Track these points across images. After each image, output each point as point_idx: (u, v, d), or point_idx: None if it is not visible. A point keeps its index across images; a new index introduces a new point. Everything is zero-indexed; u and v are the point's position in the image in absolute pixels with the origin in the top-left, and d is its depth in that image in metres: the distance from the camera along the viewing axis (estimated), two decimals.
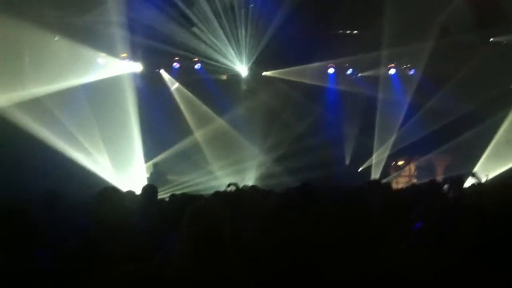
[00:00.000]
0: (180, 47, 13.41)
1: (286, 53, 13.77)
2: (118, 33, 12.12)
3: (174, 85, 14.59)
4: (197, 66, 14.54)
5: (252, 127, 14.34)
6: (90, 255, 2.81)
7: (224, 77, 15.42)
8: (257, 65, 14.72)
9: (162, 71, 14.66)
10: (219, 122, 14.44)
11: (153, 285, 2.01)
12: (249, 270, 2.75)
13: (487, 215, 2.96)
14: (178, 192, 7.56)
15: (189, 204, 4.57)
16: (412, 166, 15.80)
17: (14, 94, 10.86)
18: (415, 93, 14.47)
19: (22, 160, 10.41)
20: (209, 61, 14.14)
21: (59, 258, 2.87)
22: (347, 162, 15.47)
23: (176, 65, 14.48)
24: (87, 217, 4.37)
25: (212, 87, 14.79)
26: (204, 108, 14.47)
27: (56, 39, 12.04)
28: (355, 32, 14.52)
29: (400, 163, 15.93)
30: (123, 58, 13.37)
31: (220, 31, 13.65)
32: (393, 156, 15.16)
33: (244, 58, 14.47)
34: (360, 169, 15.20)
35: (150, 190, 6.07)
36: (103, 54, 13.07)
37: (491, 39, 13.54)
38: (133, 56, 13.44)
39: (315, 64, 14.69)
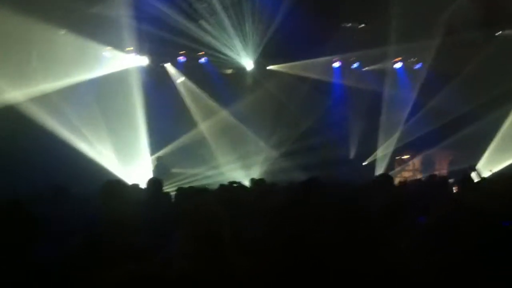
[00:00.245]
0: (186, 40, 13.39)
1: (292, 46, 13.73)
2: (124, 27, 12.12)
3: (179, 79, 14.59)
4: (203, 60, 14.54)
5: (257, 121, 14.34)
6: (95, 249, 2.82)
7: (230, 71, 15.41)
8: (263, 59, 14.70)
9: (168, 65, 14.65)
10: (225, 115, 14.43)
11: (154, 285, 2.04)
12: (250, 268, 2.76)
13: (488, 214, 2.98)
14: (183, 186, 7.61)
15: (195, 197, 4.61)
16: (417, 161, 15.79)
17: (22, 89, 10.90)
18: (421, 87, 14.42)
19: (29, 154, 10.44)
20: (215, 55, 14.13)
21: (63, 253, 2.88)
22: (352, 156, 15.46)
23: (181, 58, 14.48)
24: (93, 211, 4.41)
25: (218, 80, 14.79)
26: (210, 101, 14.47)
27: (62, 33, 12.05)
28: (362, 25, 14.46)
29: (405, 157, 15.93)
30: (129, 52, 13.38)
31: (226, 25, 13.64)
32: (398, 150, 15.14)
33: (249, 52, 14.45)
34: (365, 163, 15.19)
35: (154, 183, 6.11)
36: (109, 48, 13.08)
37: (496, 34, 13.44)
38: (139, 50, 13.43)
39: (321, 58, 14.66)
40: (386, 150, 14.77)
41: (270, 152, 14.56)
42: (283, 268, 2.81)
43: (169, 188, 9.06)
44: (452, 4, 12.35)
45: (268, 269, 2.80)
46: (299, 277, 2.76)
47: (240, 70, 14.99)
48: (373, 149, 14.90)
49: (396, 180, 12.75)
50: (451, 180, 8.12)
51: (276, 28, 13.47)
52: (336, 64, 15.27)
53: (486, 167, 12.12)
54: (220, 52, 14.06)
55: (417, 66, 15.31)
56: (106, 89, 12.37)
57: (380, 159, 14.79)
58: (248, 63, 14.71)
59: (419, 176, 14.37)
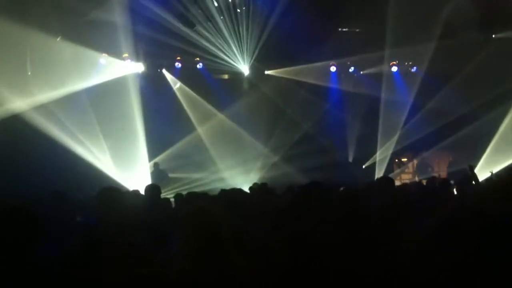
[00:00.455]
0: (182, 46, 13.39)
1: (288, 51, 13.75)
2: (120, 33, 12.12)
3: (176, 85, 14.59)
4: (199, 65, 14.55)
5: (255, 126, 14.32)
6: (95, 249, 2.82)
7: (226, 76, 15.42)
8: (259, 64, 14.71)
9: (164, 71, 14.65)
10: (223, 121, 14.41)
11: (156, 286, 2.04)
12: (251, 269, 2.76)
13: (489, 214, 2.96)
14: (182, 192, 7.61)
15: (196, 201, 4.62)
16: (416, 163, 15.81)
17: (19, 97, 10.88)
18: (418, 90, 14.45)
19: (28, 160, 10.43)
20: (211, 60, 14.14)
21: (63, 253, 2.88)
22: (351, 159, 15.45)
23: (178, 64, 14.48)
24: (92, 216, 4.40)
25: (215, 86, 14.80)
26: (207, 107, 14.46)
27: (58, 39, 12.05)
28: (357, 30, 14.50)
29: (404, 159, 15.95)
30: (125, 58, 13.39)
31: (222, 30, 13.66)
32: (397, 153, 15.15)
33: (246, 57, 14.46)
34: (364, 166, 15.19)
35: (152, 189, 6.11)
36: (105, 54, 13.09)
37: (494, 36, 13.49)
38: (135, 56, 13.43)
39: (318, 63, 14.69)
40: (385, 153, 14.78)
41: (269, 157, 14.54)
42: (283, 268, 2.80)
43: (169, 195, 9.05)
44: (449, 6, 12.37)
45: (268, 269, 2.79)
46: (300, 277, 2.75)
47: (236, 75, 14.99)
48: (372, 152, 14.89)
49: (396, 183, 12.79)
50: (451, 182, 8.13)
51: (272, 33, 13.49)
52: (333, 69, 15.27)
53: (485, 168, 12.14)
54: (216, 58, 14.07)
55: (413, 69, 15.33)
56: (103, 95, 12.35)
57: (380, 161, 14.78)
58: (244, 68, 14.72)
59: (417, 178, 14.42)
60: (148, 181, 12.26)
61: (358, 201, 3.61)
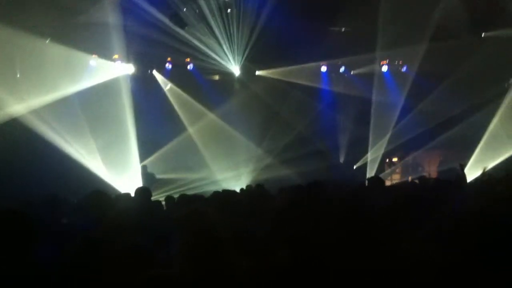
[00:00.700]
0: (172, 47, 13.33)
1: (278, 52, 13.74)
2: (110, 35, 12.03)
3: (167, 86, 14.51)
4: (190, 66, 14.49)
5: (247, 127, 14.28)
6: (95, 250, 2.81)
7: (217, 77, 15.39)
8: (250, 64, 14.69)
9: (155, 72, 14.57)
10: (214, 121, 14.35)
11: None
12: (251, 269, 2.75)
13: (490, 214, 2.95)
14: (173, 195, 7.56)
15: (190, 203, 4.59)
16: (406, 162, 15.88)
17: (8, 100, 10.77)
18: (409, 89, 14.51)
19: (20, 164, 10.35)
20: (202, 61, 14.08)
21: (63, 253, 2.90)
22: (342, 160, 15.48)
23: (168, 65, 14.42)
24: (86, 219, 4.37)
25: (206, 86, 14.75)
26: (199, 107, 14.39)
27: (47, 41, 11.93)
28: (348, 30, 14.52)
29: (394, 159, 16.00)
30: (115, 60, 13.30)
31: (212, 31, 13.61)
32: (388, 153, 15.20)
33: (236, 58, 14.43)
34: (356, 166, 15.22)
35: (142, 192, 6.09)
36: (95, 56, 12.99)
37: (484, 35, 13.59)
38: (125, 57, 13.35)
39: (309, 64, 14.70)
40: (376, 153, 14.82)
41: (261, 159, 14.50)
42: (284, 268, 2.79)
43: (159, 197, 8.99)
44: (439, 6, 12.43)
45: (268, 270, 2.78)
46: (300, 277, 2.73)
47: (227, 75, 14.95)
48: (364, 152, 14.92)
49: (387, 183, 12.84)
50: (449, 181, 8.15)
51: (262, 34, 13.47)
52: (323, 69, 15.29)
53: (475, 166, 12.21)
54: (207, 58, 14.02)
55: (404, 68, 15.38)
56: (94, 97, 12.28)
57: (371, 162, 14.81)
58: (235, 68, 14.68)
59: (409, 178, 14.47)
60: (140, 183, 12.19)
61: (358, 200, 3.61)
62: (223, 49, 14.09)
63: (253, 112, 14.27)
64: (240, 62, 14.54)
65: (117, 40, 12.25)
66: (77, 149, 11.97)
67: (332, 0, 12.88)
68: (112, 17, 11.65)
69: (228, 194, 5.82)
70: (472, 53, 12.92)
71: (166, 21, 12.49)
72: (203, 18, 13.22)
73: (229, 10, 13.46)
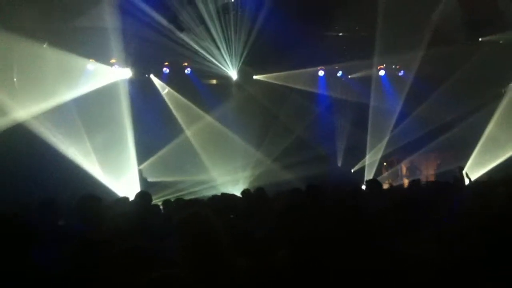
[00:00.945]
0: (169, 51, 13.34)
1: (276, 56, 13.76)
2: (107, 39, 12.02)
3: (164, 90, 14.51)
4: (187, 70, 14.50)
5: (245, 131, 14.27)
6: (89, 259, 2.81)
7: (214, 81, 15.39)
8: (248, 69, 14.70)
9: (152, 76, 14.57)
10: (212, 126, 14.33)
11: None
12: (251, 270, 2.75)
13: (490, 215, 2.96)
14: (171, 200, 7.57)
15: (186, 209, 4.60)
16: (404, 166, 15.90)
17: (6, 105, 10.77)
18: (406, 94, 14.54)
19: (21, 169, 10.34)
20: (199, 65, 14.09)
21: (62, 255, 2.90)
22: (340, 163, 15.48)
23: (166, 70, 14.42)
24: (81, 222, 4.38)
25: (203, 91, 14.74)
26: (196, 111, 14.38)
27: (44, 46, 11.91)
28: (344, 34, 14.55)
29: (392, 163, 16.02)
30: (113, 64, 13.29)
31: (210, 35, 13.62)
32: (385, 156, 15.22)
33: (234, 62, 14.44)
34: (353, 170, 15.23)
35: (143, 196, 6.09)
36: (92, 60, 12.98)
37: (480, 39, 13.65)
38: (123, 61, 13.34)
39: (307, 69, 14.73)
40: (374, 157, 14.84)
41: (258, 165, 14.47)
42: (284, 269, 2.79)
43: (158, 202, 8.96)
44: (436, 10, 12.49)
45: (269, 271, 2.78)
46: (301, 278, 2.73)
47: (225, 79, 14.95)
48: (361, 156, 14.93)
49: (384, 186, 12.85)
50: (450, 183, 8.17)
51: (260, 38, 13.48)
52: (321, 73, 15.31)
53: (473, 169, 12.25)
54: (205, 62, 14.02)
55: (401, 73, 15.42)
56: (91, 100, 12.26)
57: (369, 165, 14.83)
58: (232, 73, 14.70)
59: (406, 181, 14.49)
60: (137, 187, 12.18)
61: (357, 202, 3.61)
62: (221, 53, 14.10)
63: (250, 116, 14.27)
64: (238, 66, 14.55)
65: (114, 44, 12.24)
66: (74, 153, 11.94)
67: (329, 5, 12.90)
68: (109, 21, 11.64)
69: (227, 197, 5.83)
70: (469, 58, 12.98)
71: (164, 25, 12.50)
72: (201, 22, 13.22)
73: (227, 14, 13.47)
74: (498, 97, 13.76)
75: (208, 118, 14.40)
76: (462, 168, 9.58)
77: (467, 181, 9.00)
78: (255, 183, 13.22)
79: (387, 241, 3.21)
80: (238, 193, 9.31)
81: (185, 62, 14.30)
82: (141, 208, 5.59)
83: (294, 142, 14.48)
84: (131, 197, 7.02)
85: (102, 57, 12.93)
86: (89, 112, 12.25)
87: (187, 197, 9.83)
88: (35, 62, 11.49)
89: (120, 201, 6.66)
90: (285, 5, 12.51)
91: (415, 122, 14.25)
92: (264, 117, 14.58)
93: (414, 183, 8.61)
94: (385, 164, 15.72)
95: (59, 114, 11.75)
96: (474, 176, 11.64)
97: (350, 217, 3.14)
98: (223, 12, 13.17)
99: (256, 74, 15.07)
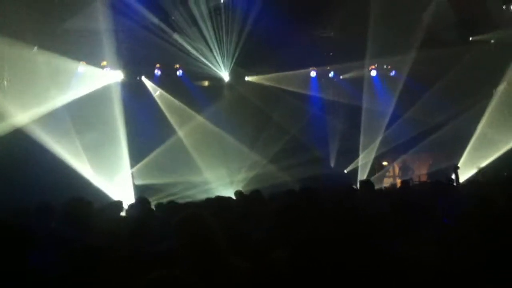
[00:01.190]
0: (161, 53, 13.28)
1: (268, 57, 13.75)
2: (99, 41, 11.95)
3: (156, 92, 14.44)
4: (179, 72, 14.45)
5: (238, 132, 14.23)
6: (88, 262, 2.79)
7: (206, 83, 15.35)
8: (239, 70, 14.68)
9: (144, 78, 14.49)
10: (205, 127, 14.26)
11: None
12: (250, 271, 2.74)
13: (490, 216, 2.97)
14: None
15: (179, 212, 4.59)
16: (396, 166, 15.95)
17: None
18: (398, 94, 14.58)
19: (11, 173, 10.25)
20: (191, 67, 14.04)
21: (61, 258, 2.87)
22: (333, 164, 15.48)
23: (157, 72, 14.36)
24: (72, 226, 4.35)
25: (195, 92, 14.68)
26: (189, 113, 14.32)
27: (34, 49, 11.81)
28: (336, 35, 14.57)
29: (384, 163, 16.06)
30: (104, 66, 13.21)
31: (202, 36, 13.58)
32: (378, 156, 15.24)
33: (226, 63, 14.41)
34: (346, 171, 15.23)
35: (142, 201, 6.09)
36: (83, 63, 12.90)
37: (471, 39, 13.73)
38: (114, 64, 13.25)
39: (298, 70, 14.74)
40: (367, 158, 14.86)
41: (252, 166, 14.43)
42: (281, 269, 2.77)
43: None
44: (428, 10, 12.56)
45: (266, 270, 2.77)
46: (300, 279, 2.71)
47: (217, 81, 14.91)
48: (354, 156, 14.95)
49: (377, 186, 12.88)
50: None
51: (252, 39, 13.47)
52: (313, 74, 15.31)
53: (467, 167, 12.32)
54: (196, 64, 13.98)
55: (392, 73, 15.47)
56: (83, 103, 12.18)
57: (362, 166, 14.85)
58: (224, 74, 14.67)
59: (398, 181, 14.52)
60: (131, 190, 12.13)
61: (353, 203, 3.60)
62: (213, 54, 14.07)
63: (243, 118, 14.23)
64: (230, 68, 14.52)
65: (105, 47, 12.17)
66: (66, 156, 11.84)
67: (320, 5, 12.92)
68: (100, 23, 11.57)
69: (222, 199, 5.81)
70: (460, 58, 13.05)
71: (155, 26, 12.46)
72: (193, 23, 13.19)
73: (218, 15, 13.45)
74: (490, 96, 13.83)
75: (201, 120, 14.34)
76: (458, 167, 9.64)
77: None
78: (249, 186, 13.21)
79: (386, 242, 3.20)
80: (232, 195, 9.29)
81: (176, 64, 14.25)
82: (141, 212, 5.58)
83: (287, 143, 14.44)
84: (124, 201, 7.03)
85: (93, 60, 12.83)
86: (81, 114, 12.16)
87: (181, 200, 9.84)
88: (25, 66, 11.38)
89: (114, 205, 6.66)
90: (276, 6, 12.52)
91: (408, 123, 14.28)
92: (257, 119, 14.55)
93: (406, 183, 8.68)
94: (377, 164, 15.73)
95: (50, 117, 11.65)
96: (465, 175, 11.71)
97: (348, 218, 3.14)
98: (214, 13, 13.15)
99: (248, 75, 15.05)
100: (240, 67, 14.56)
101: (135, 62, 13.68)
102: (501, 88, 13.78)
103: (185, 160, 13.90)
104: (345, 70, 15.41)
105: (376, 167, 15.67)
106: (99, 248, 2.72)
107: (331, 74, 15.62)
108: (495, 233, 2.95)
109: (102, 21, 11.56)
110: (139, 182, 13.38)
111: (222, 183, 13.93)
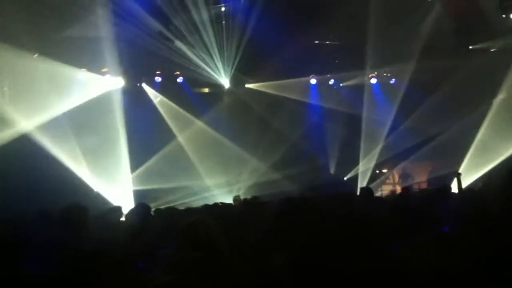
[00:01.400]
0: (162, 60, 13.32)
1: (268, 65, 13.78)
2: (99, 48, 11.99)
3: (157, 99, 14.46)
4: (180, 79, 14.48)
5: (237, 138, 14.23)
6: (85, 268, 2.78)
7: (207, 89, 15.38)
8: (240, 76, 14.71)
9: (144, 85, 14.52)
10: (205, 134, 14.26)
11: None
12: (250, 274, 2.75)
13: (491, 219, 2.97)
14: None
15: (179, 218, 4.59)
16: (396, 174, 15.94)
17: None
18: (398, 102, 14.60)
19: (14, 179, 10.26)
20: (191, 74, 14.07)
21: (50, 272, 2.85)
22: (332, 171, 15.48)
23: (158, 78, 14.39)
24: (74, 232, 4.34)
25: (196, 99, 14.71)
26: (190, 119, 14.33)
27: (35, 56, 11.84)
28: (337, 42, 14.62)
29: (384, 170, 16.06)
30: (105, 73, 13.25)
31: (202, 44, 13.63)
32: (378, 164, 15.24)
33: (226, 70, 14.45)
34: (346, 178, 15.23)
35: (143, 207, 6.08)
36: (84, 70, 12.94)
37: (471, 47, 13.76)
38: (115, 71, 13.29)
39: (298, 78, 14.77)
40: (367, 165, 14.86)
41: (252, 173, 14.41)
42: (281, 272, 2.77)
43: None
44: (427, 19, 12.60)
45: (266, 274, 2.77)
46: (299, 282, 2.71)
47: (217, 88, 14.94)
48: (354, 163, 14.95)
49: (377, 193, 12.89)
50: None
51: (252, 46, 13.51)
52: (313, 81, 15.35)
53: (466, 174, 12.29)
54: (197, 71, 14.01)
55: (392, 81, 15.51)
56: (83, 110, 12.21)
57: (362, 173, 14.85)
58: (225, 81, 14.70)
59: (398, 188, 14.52)
60: (131, 196, 12.11)
61: (353, 208, 3.61)
62: (213, 61, 14.10)
63: (243, 125, 14.25)
64: (230, 74, 14.56)
65: (106, 53, 12.20)
66: (67, 163, 11.86)
67: (321, 14, 12.96)
68: (101, 30, 11.62)
69: (221, 205, 5.82)
70: (460, 66, 13.07)
71: (156, 33, 12.50)
72: (194, 30, 13.24)
73: (219, 23, 13.50)
74: (489, 104, 13.84)
75: (201, 127, 14.35)
76: (460, 174, 9.63)
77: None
78: (249, 193, 13.18)
79: (385, 245, 3.20)
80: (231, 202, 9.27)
81: (177, 71, 14.28)
82: (141, 218, 5.57)
83: (287, 150, 14.44)
84: (124, 206, 7.02)
85: (94, 66, 12.87)
86: (81, 120, 12.18)
87: (180, 206, 9.83)
88: (26, 72, 11.41)
89: (113, 210, 6.65)
90: (277, 13, 12.56)
91: (408, 131, 14.30)
92: (257, 126, 14.56)
93: (406, 189, 8.69)
94: (377, 171, 15.73)
95: (51, 124, 11.67)
96: (466, 182, 11.68)
97: (346, 222, 3.14)
98: (216, 20, 13.21)
99: (248, 82, 15.09)
100: (240, 74, 14.60)
101: (135, 69, 13.72)
102: (500, 96, 13.80)
103: (185, 167, 13.89)
104: (345, 78, 15.46)
105: (376, 175, 15.68)
106: (94, 253, 2.71)
107: (331, 82, 15.67)
108: (494, 235, 2.95)
109: (103, 28, 11.61)
110: (139, 187, 13.37)
111: (222, 191, 13.92)
